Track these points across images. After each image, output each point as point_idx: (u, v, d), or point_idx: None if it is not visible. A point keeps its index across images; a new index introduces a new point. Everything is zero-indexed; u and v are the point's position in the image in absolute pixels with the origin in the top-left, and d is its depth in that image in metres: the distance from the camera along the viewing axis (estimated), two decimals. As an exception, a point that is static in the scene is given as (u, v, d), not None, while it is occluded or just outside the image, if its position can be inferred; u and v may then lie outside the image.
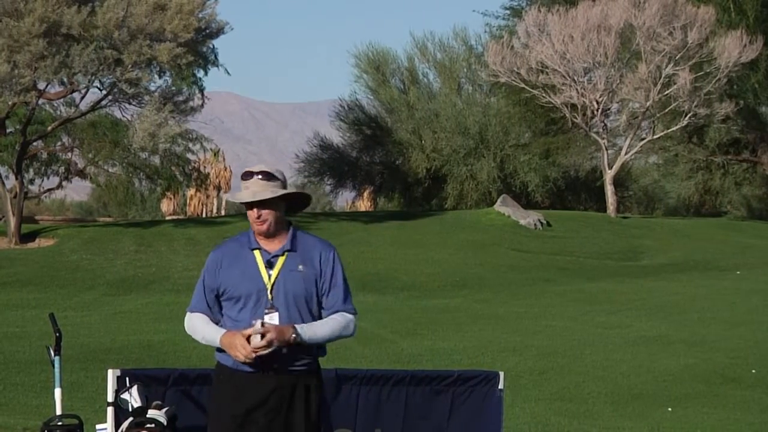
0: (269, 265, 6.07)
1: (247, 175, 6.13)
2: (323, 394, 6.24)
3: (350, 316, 6.12)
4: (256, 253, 6.11)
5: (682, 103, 41.33)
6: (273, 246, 6.11)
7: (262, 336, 5.87)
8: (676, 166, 52.14)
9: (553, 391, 15.40)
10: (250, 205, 6.06)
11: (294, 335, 5.92)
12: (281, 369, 6.01)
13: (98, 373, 14.15)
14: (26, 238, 32.92)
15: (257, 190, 6.05)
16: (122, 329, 20.33)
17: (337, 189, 55.18)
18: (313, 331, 6.00)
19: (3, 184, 33.94)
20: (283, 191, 6.07)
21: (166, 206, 68.27)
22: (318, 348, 6.12)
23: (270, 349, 5.88)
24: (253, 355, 5.88)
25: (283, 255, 6.08)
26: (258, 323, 5.92)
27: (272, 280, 6.05)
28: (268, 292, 6.02)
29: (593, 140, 44.68)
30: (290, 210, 6.22)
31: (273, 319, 5.99)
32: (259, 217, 6.05)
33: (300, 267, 6.06)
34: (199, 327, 6.16)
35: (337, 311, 6.09)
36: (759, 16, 44.58)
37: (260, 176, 6.07)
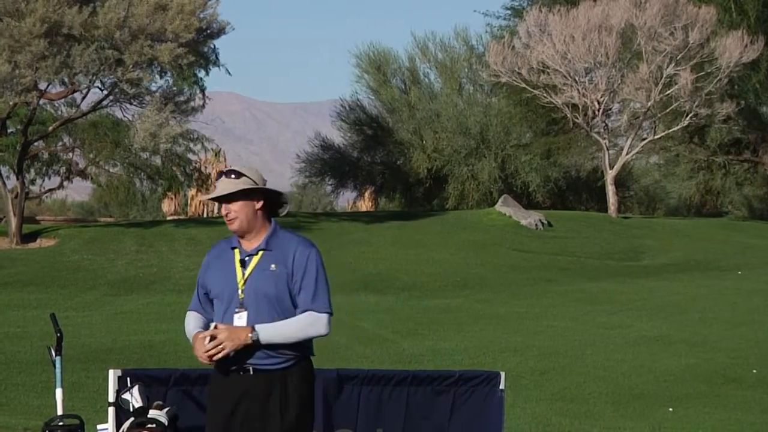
0: (243, 264, 6.10)
1: (219, 175, 6.24)
2: (304, 393, 6.10)
3: (319, 315, 6.04)
4: (235, 252, 6.15)
5: (683, 104, 41.31)
6: (250, 245, 6.14)
7: (213, 338, 5.90)
8: (677, 166, 52.11)
9: (554, 392, 15.40)
10: (219, 203, 6.13)
11: (250, 336, 5.91)
12: (254, 368, 6.01)
13: (99, 373, 14.15)
14: (27, 238, 32.92)
15: (223, 188, 6.11)
16: (123, 329, 20.34)
17: (339, 189, 55.19)
18: (273, 331, 5.96)
19: (4, 184, 33.95)
20: (240, 187, 6.06)
21: (167, 206, 68.20)
22: (297, 346, 6.05)
23: (224, 352, 5.90)
24: (205, 356, 5.91)
25: (257, 254, 6.10)
26: (213, 325, 5.97)
27: (244, 279, 6.07)
28: (239, 291, 6.04)
29: (594, 140, 44.67)
30: (273, 209, 6.23)
31: (242, 318, 6.01)
32: (227, 214, 6.10)
33: (272, 266, 6.05)
34: (187, 325, 6.24)
35: (305, 310, 6.04)
36: (760, 16, 44.57)
37: (232, 175, 6.13)
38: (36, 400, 13.55)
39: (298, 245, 6.11)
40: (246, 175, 6.10)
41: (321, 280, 6.08)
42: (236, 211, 6.08)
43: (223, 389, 6.08)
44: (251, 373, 6.01)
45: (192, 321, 6.22)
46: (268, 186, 6.20)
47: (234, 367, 6.02)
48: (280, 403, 5.99)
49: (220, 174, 6.22)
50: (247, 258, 6.10)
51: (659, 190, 58.53)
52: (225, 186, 6.10)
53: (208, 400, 6.30)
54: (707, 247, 35.61)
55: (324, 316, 6.07)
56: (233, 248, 6.17)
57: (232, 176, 6.12)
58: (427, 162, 50.22)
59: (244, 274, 6.07)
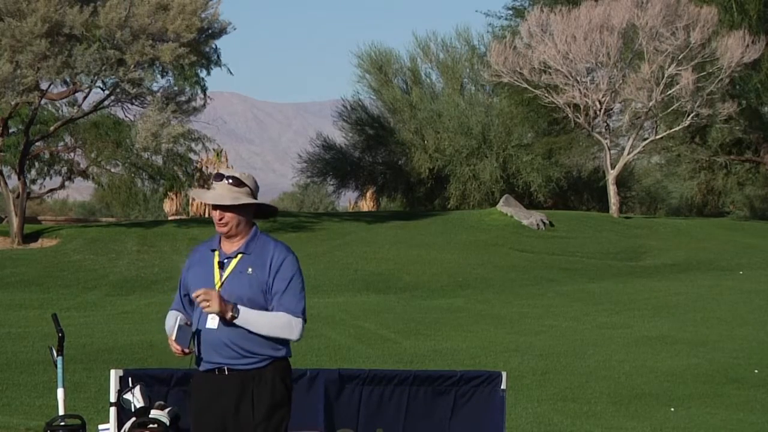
0: (221, 266, 6.22)
1: (218, 177, 6.30)
2: (277, 393, 6.16)
3: (295, 319, 6.12)
4: (215, 254, 6.28)
5: (684, 104, 41.28)
6: (231, 248, 6.25)
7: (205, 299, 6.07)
8: (678, 166, 52.08)
9: (555, 392, 15.41)
10: (214, 207, 6.23)
11: (232, 312, 6.03)
12: (228, 368, 6.13)
13: (101, 373, 14.17)
14: (29, 238, 32.91)
15: (223, 193, 6.20)
16: (125, 329, 20.34)
17: (340, 189, 55.16)
18: (252, 316, 6.06)
19: (6, 184, 33.95)
20: (245, 201, 6.17)
21: (169, 206, 68.15)
22: (269, 347, 6.13)
23: (209, 309, 6.03)
24: (174, 346, 6.11)
25: (236, 257, 6.21)
26: (201, 290, 6.10)
27: (221, 281, 6.18)
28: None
29: (596, 140, 44.66)
30: (260, 216, 6.35)
31: (214, 319, 6.14)
32: (221, 219, 6.21)
33: (249, 270, 6.16)
34: (167, 322, 6.40)
35: (282, 312, 6.13)
36: (761, 16, 44.54)
37: (230, 181, 6.22)
38: (37, 400, 13.55)
39: (275, 250, 6.20)
40: (246, 185, 6.21)
41: (297, 286, 6.15)
42: (231, 218, 6.20)
43: (203, 389, 6.20)
44: (226, 373, 6.12)
45: (172, 318, 6.35)
46: (258, 187, 6.31)
47: (211, 367, 6.14)
48: (252, 402, 6.09)
49: (219, 176, 6.27)
50: (225, 260, 6.22)
51: (661, 190, 58.47)
52: (226, 193, 6.18)
53: (190, 399, 6.40)
54: (709, 247, 35.59)
55: (299, 321, 6.15)
56: (213, 250, 6.29)
57: (231, 182, 6.21)
58: (429, 162, 50.19)
59: (222, 276, 6.18)
